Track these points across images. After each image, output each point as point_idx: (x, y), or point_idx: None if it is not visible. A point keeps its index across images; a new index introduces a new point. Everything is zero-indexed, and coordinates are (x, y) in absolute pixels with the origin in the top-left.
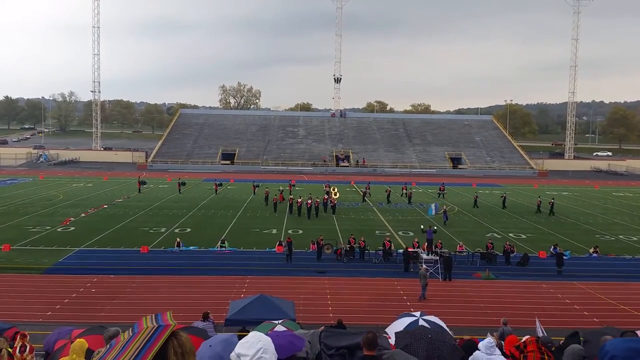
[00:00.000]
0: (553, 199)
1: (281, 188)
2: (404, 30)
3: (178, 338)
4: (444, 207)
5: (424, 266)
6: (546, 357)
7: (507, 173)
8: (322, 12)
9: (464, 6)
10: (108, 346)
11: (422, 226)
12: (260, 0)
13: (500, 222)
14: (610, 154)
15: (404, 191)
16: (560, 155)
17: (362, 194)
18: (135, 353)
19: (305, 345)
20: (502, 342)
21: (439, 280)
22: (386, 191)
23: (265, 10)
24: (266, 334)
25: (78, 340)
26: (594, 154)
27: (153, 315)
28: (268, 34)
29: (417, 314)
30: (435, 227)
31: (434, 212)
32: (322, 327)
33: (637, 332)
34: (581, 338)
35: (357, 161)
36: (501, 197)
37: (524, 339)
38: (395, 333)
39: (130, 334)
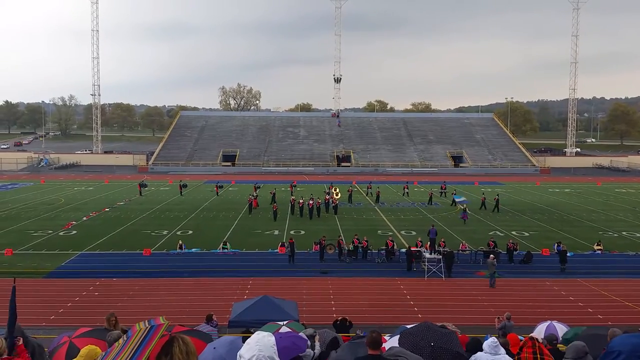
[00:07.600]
0: (498, 195)
1: (255, 194)
2: (405, 30)
3: (183, 338)
4: (464, 206)
5: (491, 256)
6: (539, 356)
7: (509, 171)
8: (322, 12)
9: (465, 4)
10: (104, 353)
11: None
12: (261, 2)
13: (503, 220)
14: (579, 150)
15: (405, 190)
16: (545, 153)
17: (364, 194)
18: (131, 353)
19: (308, 346)
20: (506, 339)
21: (442, 279)
22: (348, 191)
23: (265, 12)
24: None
25: (89, 346)
26: (563, 150)
27: (146, 320)
28: (268, 35)
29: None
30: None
31: (463, 201)
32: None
33: None
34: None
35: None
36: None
37: (522, 339)
38: (401, 334)
39: (125, 339)
